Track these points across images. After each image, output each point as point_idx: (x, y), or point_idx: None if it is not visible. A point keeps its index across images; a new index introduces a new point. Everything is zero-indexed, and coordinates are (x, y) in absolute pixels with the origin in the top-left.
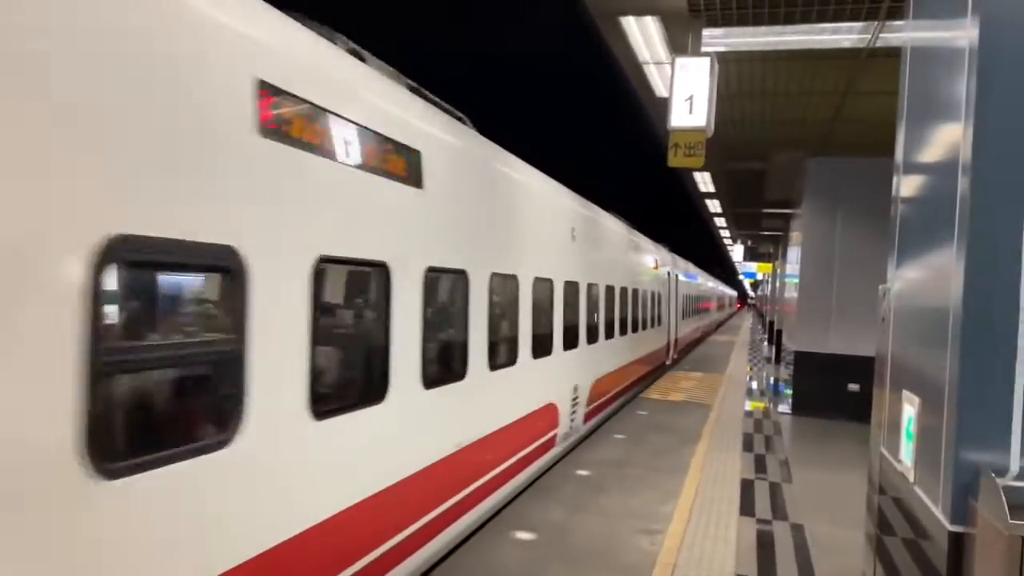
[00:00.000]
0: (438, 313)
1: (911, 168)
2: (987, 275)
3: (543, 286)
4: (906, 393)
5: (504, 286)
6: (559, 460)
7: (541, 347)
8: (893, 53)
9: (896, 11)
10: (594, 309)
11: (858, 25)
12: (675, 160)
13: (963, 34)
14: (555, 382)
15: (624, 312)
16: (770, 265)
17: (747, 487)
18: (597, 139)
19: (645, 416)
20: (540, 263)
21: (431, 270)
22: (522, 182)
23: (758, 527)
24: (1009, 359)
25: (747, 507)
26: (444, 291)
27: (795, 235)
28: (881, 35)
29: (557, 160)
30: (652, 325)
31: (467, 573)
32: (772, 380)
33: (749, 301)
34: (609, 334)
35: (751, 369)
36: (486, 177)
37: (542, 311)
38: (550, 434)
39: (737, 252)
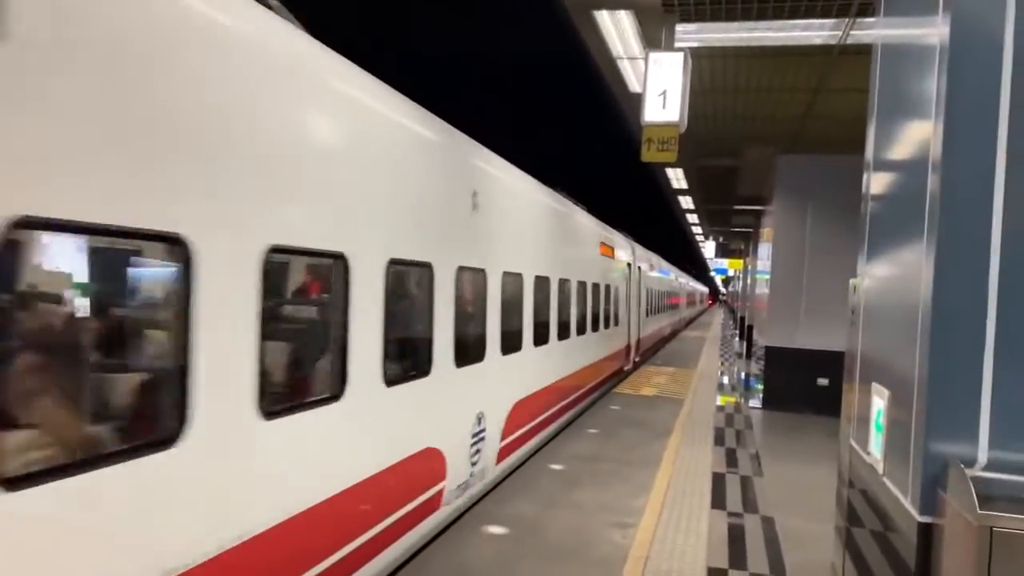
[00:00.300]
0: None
1: (881, 165)
2: (956, 271)
3: (413, 274)
4: (875, 386)
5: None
6: (459, 517)
7: (404, 366)
8: (864, 50)
9: (867, 8)
10: (514, 308)
11: (829, 22)
12: (648, 155)
13: (933, 32)
14: (438, 415)
15: (566, 310)
16: (741, 261)
17: (718, 481)
18: (571, 135)
19: (617, 411)
20: (398, 236)
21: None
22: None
23: (729, 520)
24: (977, 353)
25: (718, 500)
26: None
27: (766, 231)
28: (852, 32)
29: (533, 157)
30: (608, 325)
31: (439, 570)
32: (743, 375)
33: (721, 297)
34: (541, 338)
35: (722, 364)
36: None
37: (407, 311)
38: (429, 492)
39: (709, 248)
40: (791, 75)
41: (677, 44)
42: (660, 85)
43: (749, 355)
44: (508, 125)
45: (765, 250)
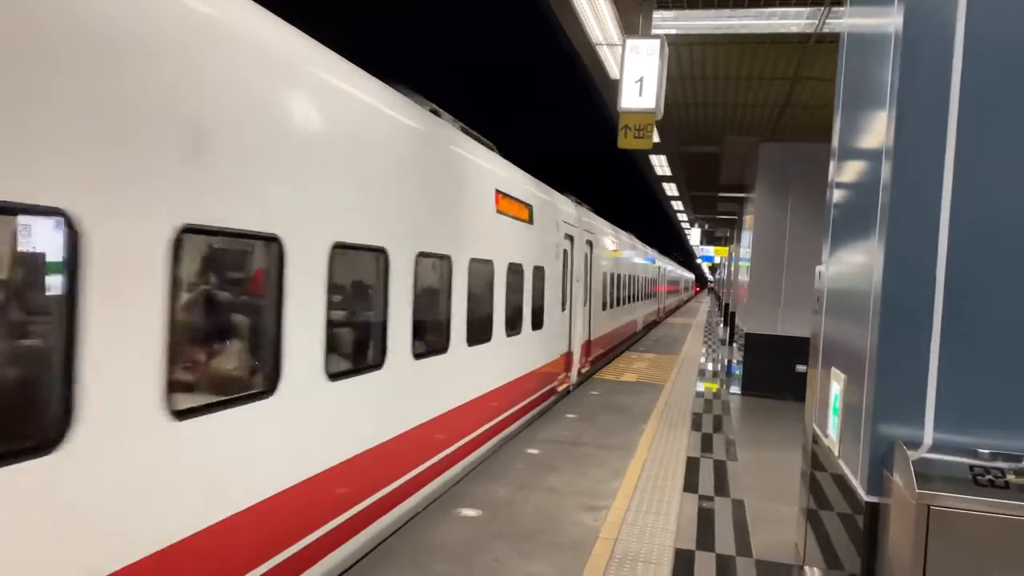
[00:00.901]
0: None
1: (844, 154)
2: (905, 259)
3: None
4: (834, 371)
5: None
6: None
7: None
8: (838, 39)
9: None
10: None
11: (805, 11)
12: (625, 142)
13: (890, 21)
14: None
15: (424, 309)
16: (727, 249)
17: (692, 465)
18: (554, 121)
19: (597, 396)
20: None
21: None
22: None
23: (700, 503)
24: (924, 338)
25: (691, 484)
26: None
27: (748, 219)
28: (827, 21)
29: (516, 144)
30: (532, 325)
31: (409, 550)
32: (725, 362)
33: (709, 285)
34: (358, 365)
35: (705, 351)
36: None
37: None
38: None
39: (695, 236)
40: (769, 64)
41: (654, 31)
42: (637, 72)
43: (731, 341)
44: (490, 113)
45: (748, 237)
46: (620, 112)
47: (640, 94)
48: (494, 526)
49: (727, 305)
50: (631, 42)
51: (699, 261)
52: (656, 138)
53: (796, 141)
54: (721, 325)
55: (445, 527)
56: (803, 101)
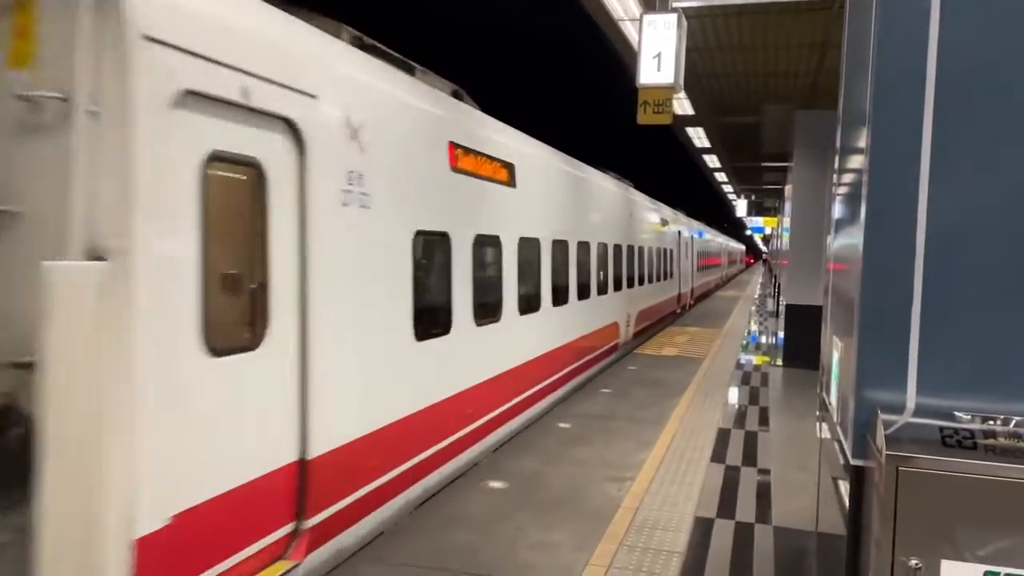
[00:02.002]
0: None
1: (844, 120)
2: (885, 227)
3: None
4: (834, 338)
5: None
6: None
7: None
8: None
9: None
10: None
11: None
12: (644, 117)
13: None
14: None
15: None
16: (775, 219)
17: (723, 436)
18: (587, 101)
19: (634, 371)
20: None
21: None
22: None
23: (726, 473)
24: (906, 303)
25: (718, 455)
26: None
27: (788, 188)
28: None
29: (548, 123)
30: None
31: (435, 520)
32: (772, 333)
33: (763, 256)
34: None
35: (753, 323)
36: None
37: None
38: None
39: (741, 207)
40: (797, 32)
41: (673, 5)
42: (655, 47)
43: (778, 313)
44: (523, 97)
45: (789, 207)
46: (639, 87)
47: (658, 69)
48: (519, 497)
49: (775, 276)
50: (648, 17)
51: (749, 232)
52: (690, 110)
53: (833, 108)
54: (771, 298)
55: (471, 498)
56: (835, 67)
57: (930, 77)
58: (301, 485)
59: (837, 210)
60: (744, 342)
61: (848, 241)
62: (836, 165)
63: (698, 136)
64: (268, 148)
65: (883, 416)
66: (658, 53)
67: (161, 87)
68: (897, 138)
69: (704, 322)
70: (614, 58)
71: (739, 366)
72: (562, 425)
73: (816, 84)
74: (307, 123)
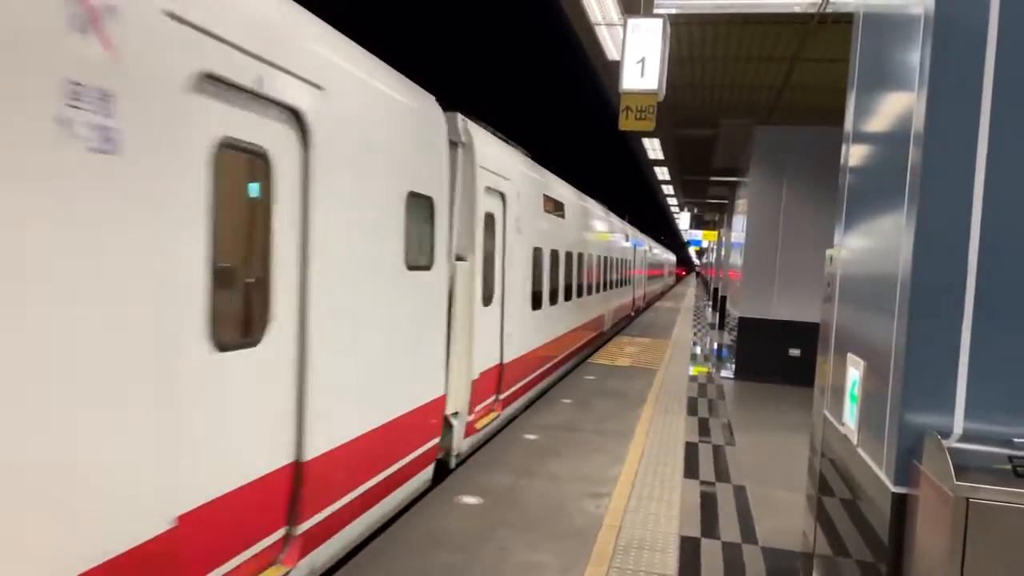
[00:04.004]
0: None
1: (861, 137)
2: (936, 242)
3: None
4: (851, 356)
5: None
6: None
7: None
8: (841, 19)
9: None
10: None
11: None
12: (626, 123)
13: (918, 1)
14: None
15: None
16: (715, 233)
17: (691, 450)
18: (547, 103)
19: (592, 381)
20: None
21: None
22: None
23: (702, 489)
24: (955, 325)
25: (691, 470)
26: None
27: (741, 203)
28: (832, 0)
29: (510, 124)
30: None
31: (411, 539)
32: (716, 346)
33: (696, 269)
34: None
35: (696, 335)
36: None
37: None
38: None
39: (684, 220)
40: (769, 44)
41: (656, 10)
42: (638, 52)
43: (722, 326)
44: (482, 92)
45: (740, 222)
46: (622, 93)
47: (642, 75)
48: (496, 513)
49: (716, 290)
50: (632, 21)
51: (687, 244)
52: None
53: (792, 124)
54: (710, 309)
55: (447, 515)
56: (802, 83)
57: (986, 94)
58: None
59: (851, 227)
60: (695, 353)
61: (875, 258)
62: (847, 183)
63: (653, 148)
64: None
65: (945, 443)
66: (642, 58)
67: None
68: (951, 156)
69: (651, 333)
70: (577, 61)
71: (693, 378)
72: (529, 437)
73: (780, 99)
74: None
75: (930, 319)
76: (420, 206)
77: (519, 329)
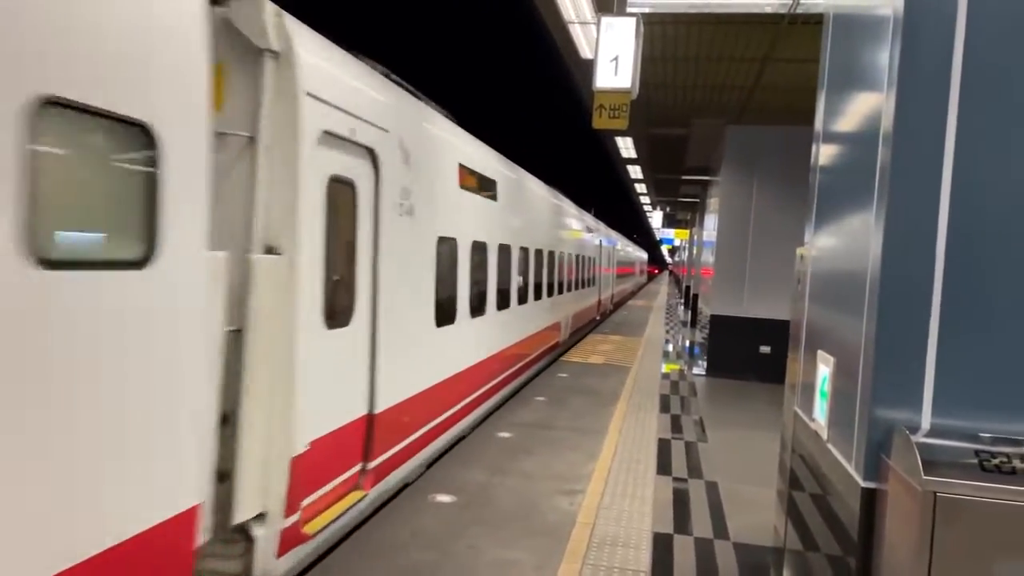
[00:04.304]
0: None
1: (831, 137)
2: (905, 242)
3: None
4: (821, 353)
5: None
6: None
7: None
8: (812, 20)
9: None
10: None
11: None
12: (600, 122)
13: (887, 2)
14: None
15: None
16: (687, 232)
17: (664, 447)
18: (521, 101)
19: (566, 379)
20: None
21: None
22: None
23: (674, 485)
24: (923, 322)
25: (664, 466)
26: None
27: (713, 202)
28: (802, 1)
29: (484, 123)
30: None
31: (384, 538)
32: (688, 343)
33: (669, 267)
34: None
35: (668, 333)
36: None
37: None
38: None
39: (656, 219)
40: (741, 44)
41: (629, 9)
42: (612, 51)
43: (694, 324)
44: (458, 91)
45: (712, 220)
46: (595, 91)
47: (615, 73)
48: (470, 511)
49: (688, 288)
50: (606, 20)
51: (660, 242)
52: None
53: (763, 124)
54: (682, 307)
55: (420, 513)
56: (773, 83)
57: (954, 94)
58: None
59: (821, 226)
60: (668, 351)
61: (845, 256)
62: (817, 182)
63: (626, 146)
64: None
65: (913, 438)
66: (615, 57)
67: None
68: (919, 155)
69: (624, 330)
70: (551, 60)
71: (665, 375)
72: (502, 435)
73: (751, 99)
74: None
75: (898, 316)
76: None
77: (410, 358)
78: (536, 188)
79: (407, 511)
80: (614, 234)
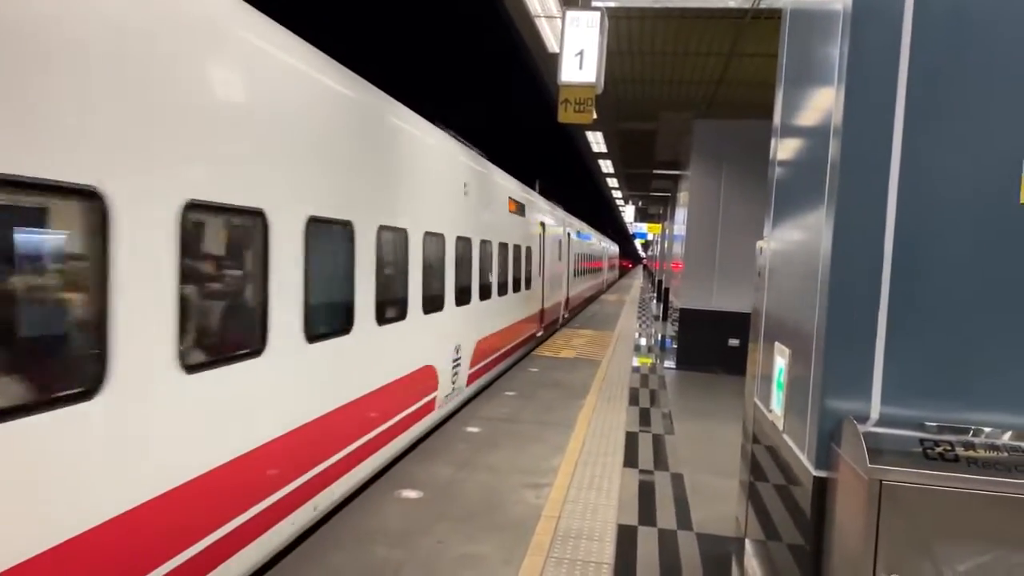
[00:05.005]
0: None
1: (787, 131)
2: (854, 235)
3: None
4: (778, 345)
5: None
6: None
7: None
8: (775, 15)
9: None
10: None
11: None
12: (565, 116)
13: None
14: None
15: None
16: (659, 226)
17: (631, 440)
18: (491, 95)
19: (536, 373)
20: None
21: None
22: None
23: (640, 478)
24: (872, 313)
25: (630, 459)
26: None
27: (682, 195)
28: None
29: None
30: None
31: (349, 534)
32: (659, 337)
33: (643, 261)
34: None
35: (640, 326)
36: None
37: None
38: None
39: (629, 213)
40: (706, 39)
41: (594, 3)
42: (577, 45)
43: (666, 317)
44: (425, 85)
45: (681, 214)
46: (560, 85)
47: (580, 67)
48: (436, 507)
49: (660, 282)
50: (571, 14)
51: (633, 236)
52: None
53: (730, 118)
54: (654, 301)
55: (386, 510)
56: (738, 78)
57: (901, 89)
58: None
59: (778, 219)
60: (639, 344)
61: (799, 249)
62: (775, 176)
63: (596, 141)
64: None
65: (860, 428)
66: (580, 51)
67: None
68: (867, 149)
69: (595, 324)
70: (519, 54)
71: (636, 369)
72: (470, 429)
73: (717, 93)
74: None
75: (848, 307)
76: None
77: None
78: (440, 142)
79: (374, 507)
80: (576, 221)
